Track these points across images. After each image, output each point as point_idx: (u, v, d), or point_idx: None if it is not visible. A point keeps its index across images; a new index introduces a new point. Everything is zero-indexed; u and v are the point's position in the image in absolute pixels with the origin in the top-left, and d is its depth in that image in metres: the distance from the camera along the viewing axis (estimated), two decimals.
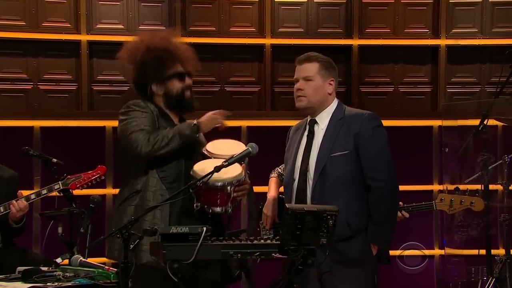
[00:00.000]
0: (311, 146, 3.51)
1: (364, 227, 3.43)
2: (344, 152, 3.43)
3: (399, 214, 4.09)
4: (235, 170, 3.23)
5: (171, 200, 3.10)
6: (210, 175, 3.04)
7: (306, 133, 3.57)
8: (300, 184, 3.52)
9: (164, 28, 6.27)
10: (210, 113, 3.44)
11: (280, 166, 4.54)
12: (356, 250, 3.43)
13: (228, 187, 3.22)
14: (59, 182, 4.36)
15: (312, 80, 3.52)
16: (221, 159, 3.19)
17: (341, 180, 3.42)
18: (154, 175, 3.34)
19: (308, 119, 3.61)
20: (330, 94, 3.53)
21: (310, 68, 3.54)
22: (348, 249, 3.40)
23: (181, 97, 3.46)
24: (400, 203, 3.92)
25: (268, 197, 4.46)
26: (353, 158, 3.43)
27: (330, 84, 3.53)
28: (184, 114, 3.56)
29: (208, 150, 3.38)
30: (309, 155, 3.50)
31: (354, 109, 3.67)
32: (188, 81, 3.47)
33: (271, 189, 4.48)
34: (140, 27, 6.50)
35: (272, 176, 4.56)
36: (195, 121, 3.37)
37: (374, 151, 3.44)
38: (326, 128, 3.50)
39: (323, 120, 3.53)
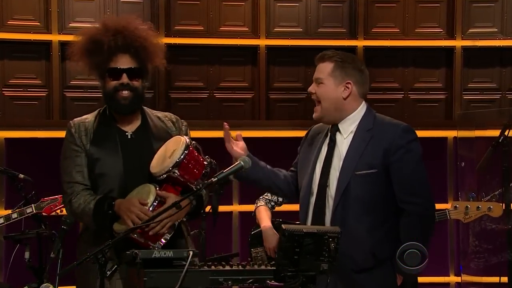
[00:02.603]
0: (332, 157, 3.40)
1: (390, 256, 3.29)
2: (371, 171, 3.31)
3: None
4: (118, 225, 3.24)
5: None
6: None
7: (327, 141, 3.45)
8: (317, 200, 3.39)
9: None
10: (131, 209, 3.22)
11: (266, 194, 4.54)
12: (379, 282, 3.33)
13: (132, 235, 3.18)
14: (32, 205, 4.38)
15: (322, 83, 3.41)
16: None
17: (365, 203, 3.30)
18: None
19: (330, 125, 3.48)
20: (345, 98, 3.38)
21: (322, 69, 3.43)
22: (369, 280, 3.31)
23: (112, 97, 3.36)
24: None
25: (262, 228, 4.46)
26: (381, 178, 3.31)
27: (347, 87, 3.38)
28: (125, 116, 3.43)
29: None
30: (329, 168, 3.38)
31: (387, 118, 3.48)
32: (124, 79, 3.31)
33: (263, 219, 4.48)
34: None
35: (259, 204, 4.55)
36: (114, 204, 3.26)
37: (409, 170, 3.30)
38: (352, 140, 3.38)
39: (346, 128, 3.41)
